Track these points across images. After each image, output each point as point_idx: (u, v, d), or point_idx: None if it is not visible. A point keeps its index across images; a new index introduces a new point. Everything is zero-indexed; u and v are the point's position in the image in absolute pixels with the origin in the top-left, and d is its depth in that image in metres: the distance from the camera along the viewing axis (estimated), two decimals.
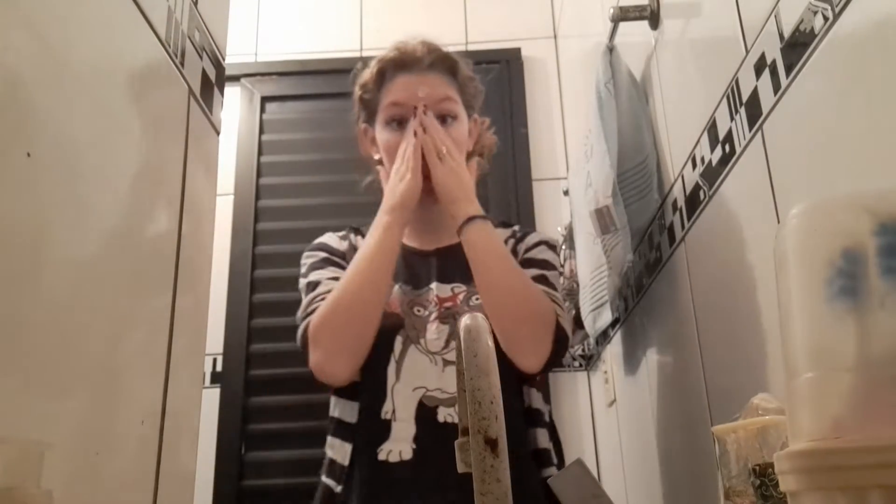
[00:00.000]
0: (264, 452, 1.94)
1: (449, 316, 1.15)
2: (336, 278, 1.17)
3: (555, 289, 1.19)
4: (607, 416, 1.77)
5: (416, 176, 1.16)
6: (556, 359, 1.11)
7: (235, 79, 2.23)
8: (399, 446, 1.07)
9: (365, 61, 1.29)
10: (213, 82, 0.84)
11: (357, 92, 1.29)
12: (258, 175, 2.18)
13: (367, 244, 1.15)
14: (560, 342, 1.11)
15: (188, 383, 0.74)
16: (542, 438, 1.14)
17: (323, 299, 1.14)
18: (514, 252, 1.23)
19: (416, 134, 1.18)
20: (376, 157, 1.27)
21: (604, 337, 1.68)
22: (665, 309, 1.23)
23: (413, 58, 1.23)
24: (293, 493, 1.83)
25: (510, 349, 1.08)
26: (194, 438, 0.76)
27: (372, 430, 1.10)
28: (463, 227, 1.14)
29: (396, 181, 1.17)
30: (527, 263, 1.20)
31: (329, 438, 1.15)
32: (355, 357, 1.10)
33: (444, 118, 1.22)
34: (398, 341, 1.13)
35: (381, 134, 1.24)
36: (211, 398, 1.94)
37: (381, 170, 1.25)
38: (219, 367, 2.00)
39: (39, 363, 0.50)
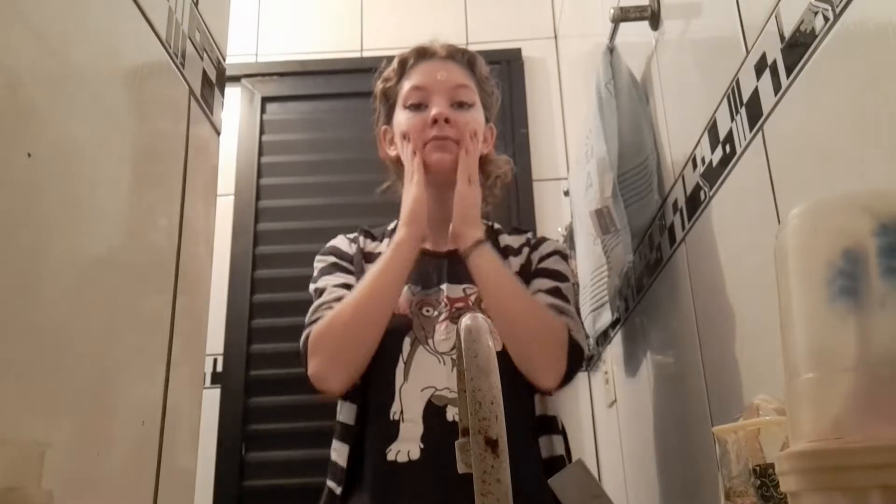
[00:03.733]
0: (264, 453, 1.94)
1: (460, 316, 1.15)
2: (343, 284, 1.18)
3: (567, 301, 1.19)
4: (607, 416, 1.77)
5: (419, 185, 1.19)
6: (572, 374, 1.13)
7: (236, 79, 2.23)
8: (407, 446, 1.08)
9: (388, 62, 1.33)
10: (214, 83, 0.84)
11: (379, 86, 1.32)
12: (258, 175, 2.18)
13: (380, 259, 1.16)
14: (574, 357, 1.12)
15: (188, 383, 0.74)
16: (558, 445, 1.14)
17: (327, 307, 1.15)
18: (528, 260, 1.24)
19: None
20: (392, 153, 1.29)
21: (604, 337, 1.68)
22: (665, 309, 1.23)
23: (433, 49, 1.28)
24: (293, 493, 1.83)
25: (527, 370, 1.11)
26: (194, 439, 0.76)
27: (381, 431, 1.10)
28: (471, 251, 1.15)
29: (404, 199, 1.21)
30: (540, 273, 1.21)
31: (333, 441, 1.16)
32: (350, 370, 1.12)
33: (461, 104, 1.24)
34: (406, 342, 1.14)
35: (399, 115, 1.26)
36: (211, 398, 1.94)
37: (400, 151, 1.26)
38: (219, 368, 2.00)
39: (40, 363, 0.50)
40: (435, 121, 1.20)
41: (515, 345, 1.10)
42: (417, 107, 1.23)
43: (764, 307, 0.84)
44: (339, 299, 1.15)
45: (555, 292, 1.18)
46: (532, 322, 1.12)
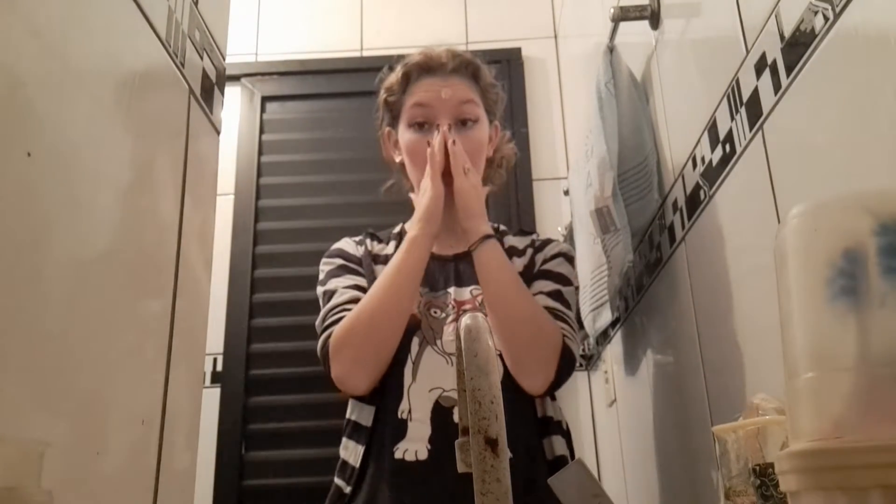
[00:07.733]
0: (264, 452, 1.94)
1: None
2: (354, 286, 1.18)
3: (568, 305, 1.18)
4: (607, 416, 1.77)
5: (436, 185, 1.17)
6: (560, 381, 1.12)
7: (236, 78, 2.23)
8: (415, 446, 1.08)
9: (391, 66, 1.31)
10: (214, 82, 0.84)
11: (382, 95, 1.31)
12: (258, 175, 2.18)
13: (395, 258, 1.16)
14: (565, 365, 1.12)
15: (188, 383, 0.74)
16: (559, 445, 1.14)
17: (343, 309, 1.15)
18: (532, 262, 1.23)
19: (444, 145, 1.19)
20: (398, 159, 1.29)
21: (604, 337, 1.68)
22: (665, 309, 1.23)
23: (437, 62, 1.25)
24: (293, 492, 1.84)
25: (516, 371, 1.11)
26: (194, 438, 0.76)
27: (389, 428, 1.10)
28: (477, 245, 1.15)
29: (421, 195, 1.19)
30: (543, 275, 1.21)
31: (343, 440, 1.17)
32: (375, 370, 1.12)
33: (465, 121, 1.23)
34: (415, 342, 1.14)
35: (404, 135, 1.25)
36: (211, 398, 1.94)
37: (409, 171, 1.26)
38: (219, 367, 2.00)
39: (40, 363, 0.50)
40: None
41: (509, 345, 1.10)
42: (421, 125, 1.23)
43: (764, 306, 0.84)
44: (353, 300, 1.15)
45: (556, 295, 1.18)
46: (529, 325, 1.11)
